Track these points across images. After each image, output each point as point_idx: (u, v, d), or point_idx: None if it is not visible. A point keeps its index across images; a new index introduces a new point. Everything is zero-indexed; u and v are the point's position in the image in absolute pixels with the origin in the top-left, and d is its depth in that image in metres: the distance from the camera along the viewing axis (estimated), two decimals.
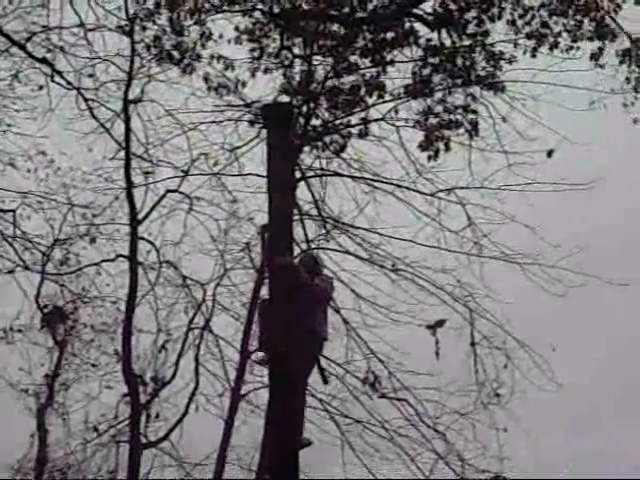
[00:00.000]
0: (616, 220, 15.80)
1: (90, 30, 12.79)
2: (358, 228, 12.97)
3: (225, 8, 11.83)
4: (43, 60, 12.93)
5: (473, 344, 12.73)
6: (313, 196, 12.75)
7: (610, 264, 13.31)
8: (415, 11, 11.62)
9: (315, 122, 12.23)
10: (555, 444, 15.14)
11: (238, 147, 12.89)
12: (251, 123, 12.52)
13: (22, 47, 12.79)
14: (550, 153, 11.91)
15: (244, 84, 12.32)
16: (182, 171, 13.42)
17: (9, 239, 14.74)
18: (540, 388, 12.21)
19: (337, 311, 13.11)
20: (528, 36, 11.58)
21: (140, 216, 13.30)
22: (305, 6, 11.63)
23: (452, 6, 11.39)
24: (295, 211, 10.36)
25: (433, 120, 12.28)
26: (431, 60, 11.90)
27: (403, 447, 12.96)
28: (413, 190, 12.67)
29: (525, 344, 12.42)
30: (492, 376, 12.66)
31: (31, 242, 14.85)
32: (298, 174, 12.02)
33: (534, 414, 13.11)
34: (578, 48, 11.63)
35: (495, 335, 12.61)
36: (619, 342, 17.03)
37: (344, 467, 13.00)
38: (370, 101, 12.21)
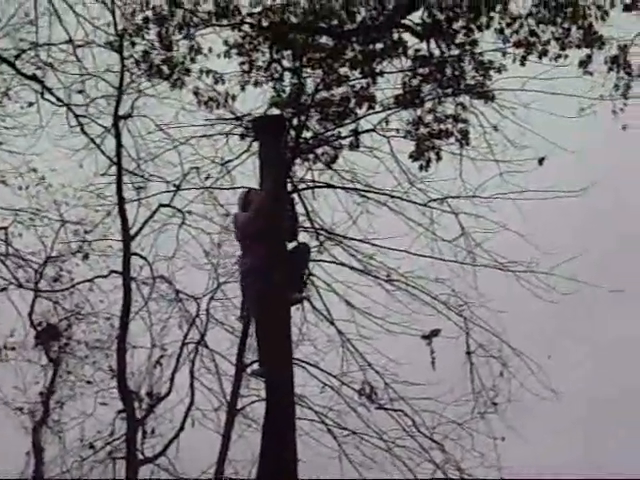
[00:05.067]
0: (608, 227, 15.83)
1: (79, 46, 12.77)
2: (351, 239, 12.93)
3: (214, 22, 11.84)
4: (32, 77, 12.91)
5: (469, 353, 12.72)
6: (305, 208, 12.74)
7: (604, 271, 13.34)
8: (404, 22, 11.63)
9: (306, 134, 12.25)
10: (553, 452, 15.12)
11: (229, 160, 12.89)
12: (242, 136, 12.54)
13: (11, 64, 12.77)
14: (541, 161, 11.94)
15: (234, 98, 12.34)
16: (174, 185, 13.40)
17: (1, 257, 14.74)
18: (536, 396, 12.19)
19: (332, 322, 13.11)
20: (516, 44, 11.61)
21: (132, 231, 13.24)
22: (294, 19, 11.66)
23: (440, 16, 11.42)
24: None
25: (423, 130, 12.30)
26: (420, 70, 11.92)
27: (401, 458, 12.92)
28: (405, 200, 12.67)
29: (521, 352, 12.41)
30: (488, 385, 12.65)
31: (24, 259, 14.85)
32: (290, 187, 12.02)
33: (531, 422, 13.12)
34: (567, 56, 11.67)
35: (490, 344, 12.60)
36: (614, 348, 17.04)
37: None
38: (360, 112, 12.23)
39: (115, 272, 13.83)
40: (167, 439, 13.69)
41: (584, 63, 11.65)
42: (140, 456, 13.16)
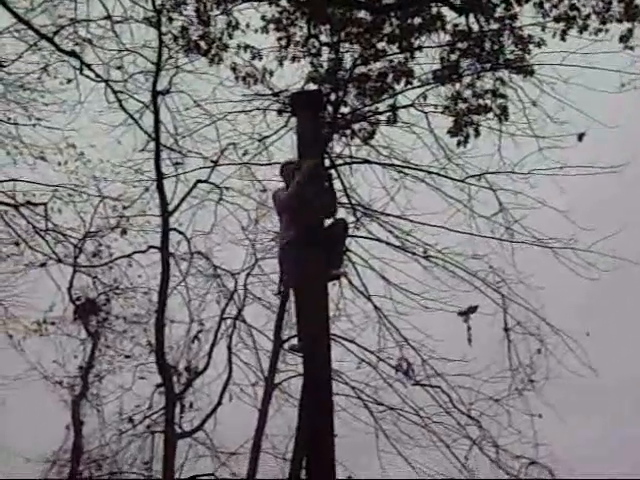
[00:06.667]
0: None
1: (117, 22, 12.84)
2: (389, 215, 12.92)
3: None
4: (71, 53, 12.98)
5: (506, 330, 12.67)
6: (343, 184, 12.73)
7: None
8: None
9: (343, 110, 12.22)
10: (590, 430, 15.07)
11: (267, 136, 12.89)
12: (279, 112, 12.52)
13: (50, 40, 12.83)
14: (581, 136, 11.83)
15: (272, 73, 12.33)
16: (211, 161, 13.44)
17: (41, 232, 14.87)
18: (574, 373, 12.13)
19: (368, 298, 13.12)
20: (556, 19, 11.50)
21: (171, 207, 13.32)
22: None
23: None
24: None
25: (462, 105, 12.22)
26: (459, 45, 11.83)
27: (438, 434, 12.94)
28: (443, 176, 12.61)
29: (559, 329, 12.35)
30: (526, 362, 12.61)
31: (63, 235, 14.98)
32: (328, 162, 11.99)
33: (569, 400, 13.06)
34: (607, 30, 11.54)
35: (528, 320, 12.55)
36: None
37: (378, 455, 13.00)
38: (398, 87, 12.18)
39: (153, 247, 13.92)
40: (205, 413, 13.77)
41: (625, 37, 11.51)
42: (178, 430, 13.26)
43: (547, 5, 11.48)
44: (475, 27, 11.68)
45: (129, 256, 14.84)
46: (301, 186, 9.47)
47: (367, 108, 12.34)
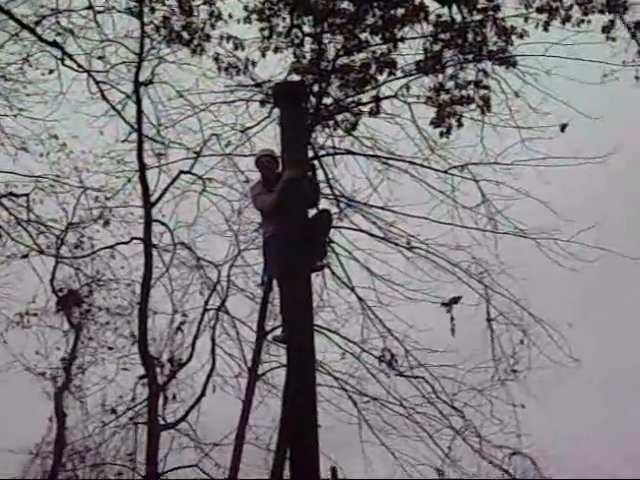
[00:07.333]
0: (631, 194, 15.73)
1: (99, 12, 12.77)
2: (372, 206, 12.94)
3: None
4: (53, 43, 12.90)
5: (489, 320, 12.72)
6: (326, 175, 12.73)
7: (625, 238, 13.28)
8: None
9: (326, 101, 12.21)
10: (572, 419, 15.13)
11: (249, 127, 12.89)
12: (262, 103, 12.52)
13: (32, 31, 12.76)
14: (563, 127, 11.87)
15: (254, 64, 12.32)
16: (194, 152, 13.41)
17: (23, 223, 14.80)
18: (557, 363, 12.19)
19: (352, 289, 13.13)
20: (539, 10, 11.52)
21: (153, 198, 13.27)
22: None
23: None
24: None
25: (445, 96, 12.25)
26: (442, 36, 11.85)
27: (421, 424, 12.97)
28: (426, 167, 12.67)
29: (541, 320, 12.41)
30: (509, 352, 12.66)
31: (45, 226, 14.90)
32: (311, 153, 11.98)
33: (551, 390, 13.13)
34: (589, 21, 11.58)
35: (511, 311, 12.61)
36: (636, 316, 16.95)
37: (362, 445, 13.03)
38: (381, 78, 12.19)
39: (136, 239, 13.88)
40: (188, 405, 13.75)
41: (607, 29, 11.55)
42: (161, 421, 13.23)
43: None
44: (458, 18, 11.70)
45: (112, 247, 14.79)
46: (282, 195, 9.43)
47: (350, 99, 12.35)
